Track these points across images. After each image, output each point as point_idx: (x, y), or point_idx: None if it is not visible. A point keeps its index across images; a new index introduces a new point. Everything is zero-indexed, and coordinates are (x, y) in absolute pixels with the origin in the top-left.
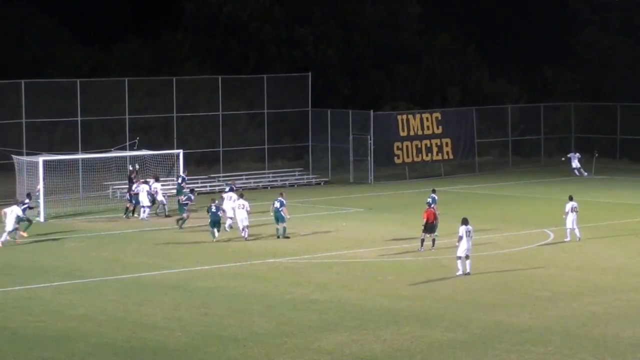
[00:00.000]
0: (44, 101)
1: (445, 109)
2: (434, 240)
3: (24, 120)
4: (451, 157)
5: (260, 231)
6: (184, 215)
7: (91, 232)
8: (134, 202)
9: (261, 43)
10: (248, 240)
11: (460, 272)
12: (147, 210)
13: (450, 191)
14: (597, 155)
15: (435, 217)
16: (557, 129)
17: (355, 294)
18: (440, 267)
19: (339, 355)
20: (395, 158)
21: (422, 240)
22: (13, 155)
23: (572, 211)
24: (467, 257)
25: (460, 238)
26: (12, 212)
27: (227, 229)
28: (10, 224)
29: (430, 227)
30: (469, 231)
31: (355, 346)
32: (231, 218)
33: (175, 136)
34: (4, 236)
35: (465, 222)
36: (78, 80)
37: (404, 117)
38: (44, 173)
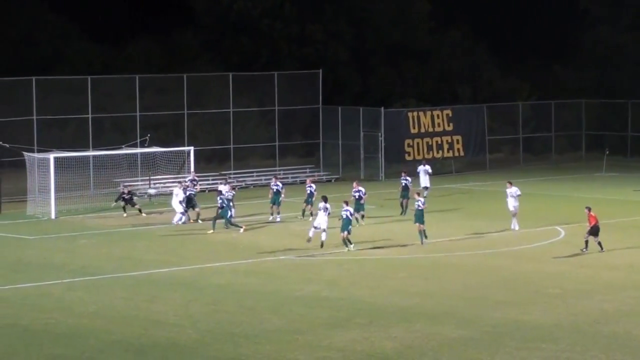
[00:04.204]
0: (54, 98)
1: (456, 106)
2: (600, 243)
3: (35, 117)
4: (462, 154)
5: (271, 228)
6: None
7: (102, 229)
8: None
9: (272, 40)
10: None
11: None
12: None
13: (461, 188)
14: (607, 152)
15: (597, 220)
16: (567, 126)
17: (366, 291)
18: (450, 265)
19: (350, 353)
20: (406, 155)
21: (587, 242)
22: (24, 152)
23: None
24: (324, 230)
25: (317, 214)
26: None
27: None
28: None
29: (594, 230)
30: (327, 208)
31: (366, 343)
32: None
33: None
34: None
35: (324, 199)
36: (89, 78)
37: (415, 114)
38: (55, 170)
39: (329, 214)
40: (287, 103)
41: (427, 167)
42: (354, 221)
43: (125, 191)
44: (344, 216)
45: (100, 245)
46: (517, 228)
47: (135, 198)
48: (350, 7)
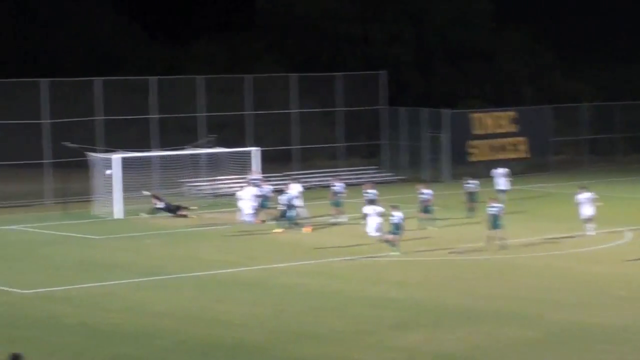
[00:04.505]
0: (118, 99)
1: (520, 108)
2: None
3: (100, 118)
4: (526, 155)
5: (337, 229)
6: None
7: (166, 229)
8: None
9: (334, 41)
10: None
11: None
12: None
13: (525, 190)
14: None
15: None
16: (633, 127)
17: (432, 293)
18: (516, 267)
19: (416, 353)
20: (470, 156)
21: None
22: (88, 153)
23: None
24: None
25: (366, 216)
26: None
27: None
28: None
29: None
30: (375, 209)
31: (431, 344)
32: None
33: (249, 133)
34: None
35: (371, 203)
36: (152, 78)
37: (479, 115)
38: (120, 170)
39: (379, 214)
40: (350, 104)
41: (503, 170)
42: (425, 224)
43: (154, 202)
44: (394, 222)
45: (165, 245)
46: (593, 233)
47: (161, 202)
48: (411, 8)
